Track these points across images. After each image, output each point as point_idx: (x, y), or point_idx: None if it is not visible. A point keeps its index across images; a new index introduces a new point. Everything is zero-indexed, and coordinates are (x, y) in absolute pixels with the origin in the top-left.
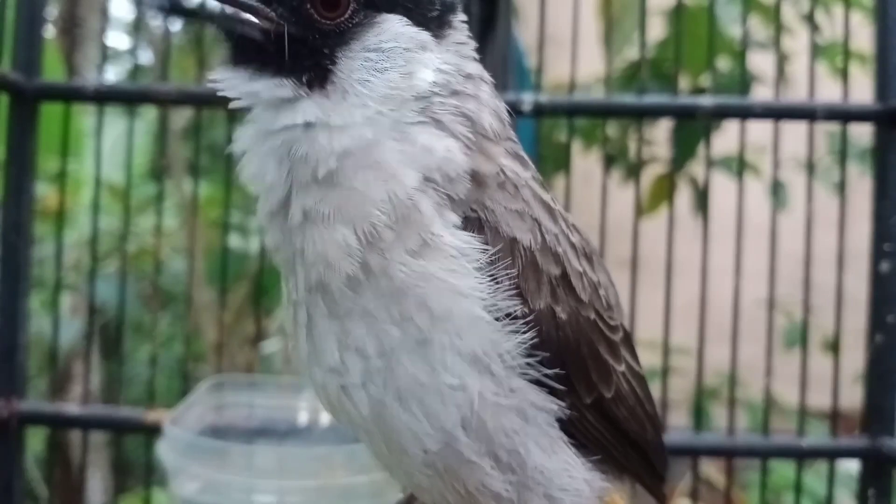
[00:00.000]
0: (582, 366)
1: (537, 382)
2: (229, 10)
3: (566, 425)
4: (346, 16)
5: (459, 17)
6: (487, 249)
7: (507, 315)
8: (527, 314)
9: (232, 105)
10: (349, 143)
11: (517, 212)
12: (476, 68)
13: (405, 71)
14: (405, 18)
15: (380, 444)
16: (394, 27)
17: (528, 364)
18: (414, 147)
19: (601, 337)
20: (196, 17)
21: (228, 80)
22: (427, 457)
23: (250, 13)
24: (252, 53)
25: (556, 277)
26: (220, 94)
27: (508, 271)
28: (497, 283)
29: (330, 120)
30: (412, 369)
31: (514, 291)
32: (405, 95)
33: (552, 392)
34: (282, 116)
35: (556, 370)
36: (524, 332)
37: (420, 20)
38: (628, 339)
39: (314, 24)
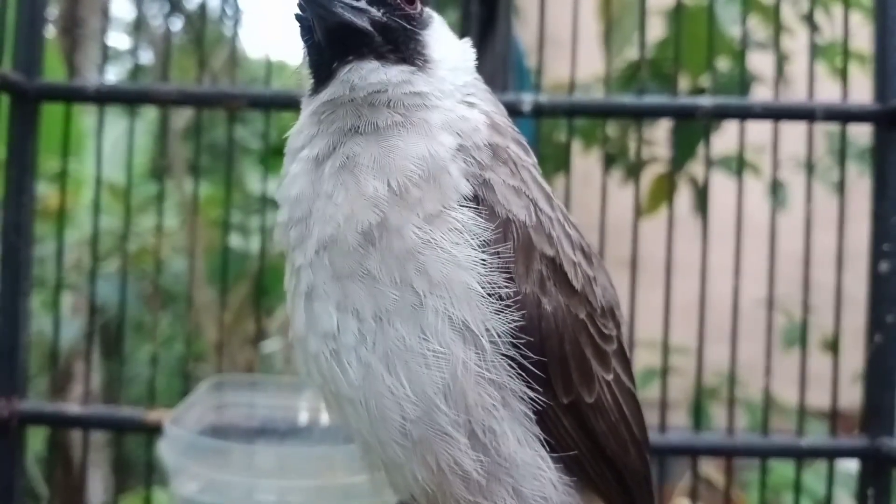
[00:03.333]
0: (563, 362)
1: (519, 367)
2: (346, 10)
3: (541, 424)
4: (419, 8)
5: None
6: (488, 227)
7: (498, 293)
8: (512, 297)
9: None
10: (422, 103)
11: (514, 188)
12: None
13: (462, 50)
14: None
15: (362, 414)
16: (439, 20)
17: (511, 344)
18: (454, 114)
19: (589, 340)
20: (316, 15)
21: (364, 70)
22: (405, 425)
23: (360, 11)
24: (359, 45)
25: (547, 265)
26: (357, 84)
27: (501, 249)
28: (492, 253)
29: (426, 90)
30: (402, 332)
31: (505, 271)
32: (461, 68)
33: (531, 379)
34: (396, 88)
35: (538, 357)
36: (512, 312)
37: None
38: (624, 355)
39: (405, 14)
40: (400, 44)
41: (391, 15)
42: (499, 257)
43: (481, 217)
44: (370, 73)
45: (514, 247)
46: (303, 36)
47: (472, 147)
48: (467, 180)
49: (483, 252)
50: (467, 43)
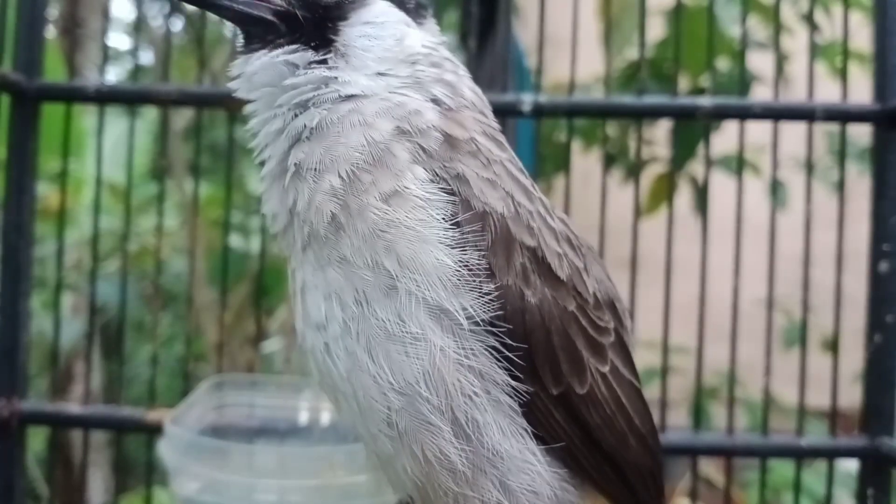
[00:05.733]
0: (550, 353)
1: (502, 357)
2: (237, 2)
3: (530, 417)
4: (334, 10)
5: (431, 17)
6: (454, 201)
7: (472, 272)
8: (493, 291)
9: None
10: (344, 97)
11: (489, 180)
12: (452, 56)
13: (397, 38)
14: (389, 2)
15: (353, 406)
16: (382, 6)
17: (492, 332)
18: (390, 102)
19: (580, 331)
20: (213, 6)
21: (253, 60)
22: (390, 415)
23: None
24: (265, 35)
25: (529, 257)
26: (239, 73)
27: (477, 236)
28: (464, 237)
29: (337, 77)
30: (382, 317)
31: (483, 260)
32: (397, 58)
33: (515, 370)
34: (296, 78)
35: (521, 345)
36: (492, 301)
37: (400, 6)
38: (624, 348)
39: (312, 2)
40: (305, 33)
41: (297, 3)
42: (471, 237)
43: (445, 193)
44: (255, 61)
45: (492, 238)
46: None
47: (415, 130)
48: (424, 166)
49: (451, 229)
50: (424, 34)
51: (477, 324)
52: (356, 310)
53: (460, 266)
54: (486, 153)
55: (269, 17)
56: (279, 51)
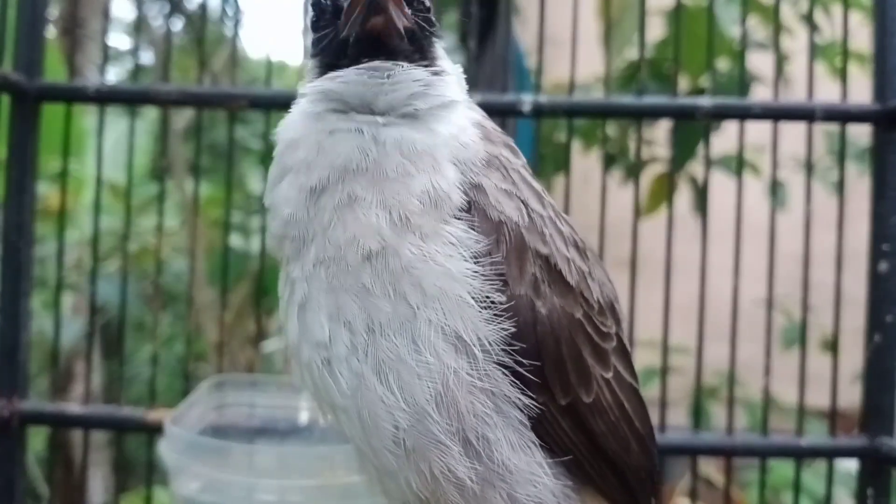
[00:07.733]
0: (560, 363)
1: (513, 374)
2: (394, 10)
3: (538, 429)
4: (435, 27)
5: None
6: (481, 239)
7: (491, 302)
8: (506, 302)
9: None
10: (444, 105)
11: (506, 191)
12: None
13: (460, 71)
14: None
15: (354, 423)
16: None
17: (504, 351)
18: (457, 142)
19: (587, 339)
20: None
21: (399, 69)
22: (397, 434)
23: (404, 15)
24: (387, 48)
25: (542, 265)
26: (387, 78)
27: (494, 256)
28: (486, 269)
29: (445, 90)
30: (395, 342)
31: (499, 276)
32: (460, 83)
33: (526, 385)
34: (423, 99)
35: (532, 361)
36: (504, 320)
37: None
38: (624, 351)
39: (428, 18)
40: (424, 49)
41: (417, 17)
42: (492, 267)
43: (474, 230)
44: (404, 74)
45: (507, 249)
46: (318, 17)
47: (471, 171)
48: (463, 193)
49: (476, 264)
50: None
51: (491, 344)
52: (366, 336)
53: (482, 300)
54: (506, 164)
55: (403, 31)
56: (417, 65)
